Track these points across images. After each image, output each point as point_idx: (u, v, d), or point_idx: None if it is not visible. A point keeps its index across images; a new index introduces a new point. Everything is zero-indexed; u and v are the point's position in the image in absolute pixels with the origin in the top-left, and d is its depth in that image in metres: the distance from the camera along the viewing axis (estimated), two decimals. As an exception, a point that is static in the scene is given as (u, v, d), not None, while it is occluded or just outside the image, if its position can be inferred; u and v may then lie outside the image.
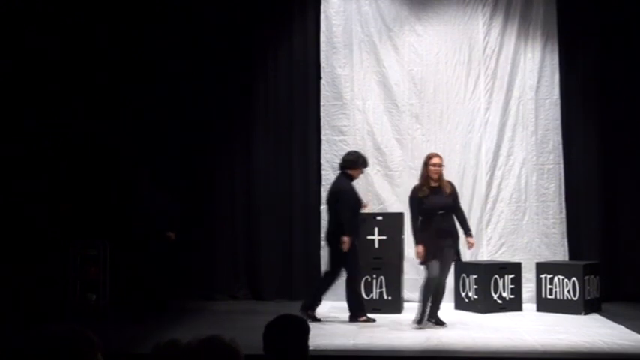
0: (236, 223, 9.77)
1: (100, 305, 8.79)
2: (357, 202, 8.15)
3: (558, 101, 9.56)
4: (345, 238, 7.82)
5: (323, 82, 9.70)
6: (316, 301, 8.10)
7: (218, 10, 9.67)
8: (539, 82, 9.58)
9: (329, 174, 9.61)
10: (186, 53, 9.63)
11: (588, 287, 8.38)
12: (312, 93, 9.74)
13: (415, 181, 9.57)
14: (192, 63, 9.63)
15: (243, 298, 9.55)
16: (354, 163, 8.20)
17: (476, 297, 8.57)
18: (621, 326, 7.56)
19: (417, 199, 7.73)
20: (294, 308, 7.57)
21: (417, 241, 7.61)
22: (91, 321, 7.87)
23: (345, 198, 8.02)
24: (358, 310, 7.99)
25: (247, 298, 9.58)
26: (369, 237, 8.63)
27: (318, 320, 7.87)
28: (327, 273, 8.21)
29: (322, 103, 9.69)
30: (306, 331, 3.30)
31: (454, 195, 7.83)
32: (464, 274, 8.68)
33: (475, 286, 8.56)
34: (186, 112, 9.63)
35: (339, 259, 7.98)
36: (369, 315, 8.00)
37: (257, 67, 9.82)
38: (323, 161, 9.66)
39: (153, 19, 9.58)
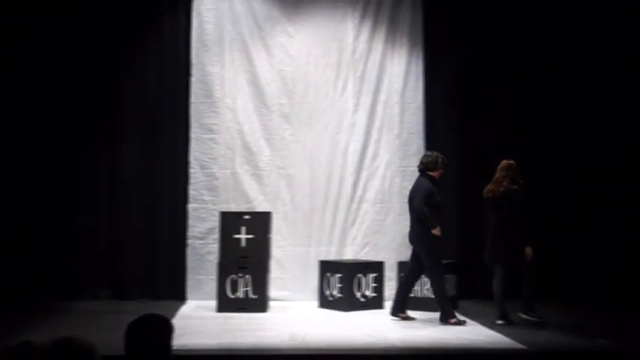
0: (100, 221, 9.49)
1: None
2: (436, 200, 7.90)
3: (422, 106, 9.91)
4: (434, 231, 7.77)
5: (193, 79, 9.60)
6: (404, 303, 8.12)
7: (84, 6, 9.34)
8: (404, 86, 9.89)
9: (197, 172, 9.53)
10: (47, 48, 9.25)
11: (447, 285, 8.72)
12: (181, 90, 9.61)
13: (283, 180, 9.70)
14: (55, 58, 9.26)
15: (105, 298, 9.29)
16: (434, 163, 7.97)
17: (340, 295, 8.74)
18: (475, 322, 7.93)
19: None
20: (158, 308, 7.45)
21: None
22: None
23: (419, 194, 7.82)
24: (447, 312, 7.86)
25: (110, 297, 9.33)
26: (236, 236, 8.63)
27: (413, 319, 8.06)
28: (409, 273, 8.16)
29: (192, 100, 9.59)
30: (169, 330, 3.26)
31: None
32: (328, 273, 8.84)
33: (339, 285, 8.74)
34: (49, 112, 9.26)
35: (421, 259, 7.96)
36: (459, 317, 7.91)
37: (125, 64, 9.56)
38: (191, 159, 9.56)
39: (13, 20, 9.15)
